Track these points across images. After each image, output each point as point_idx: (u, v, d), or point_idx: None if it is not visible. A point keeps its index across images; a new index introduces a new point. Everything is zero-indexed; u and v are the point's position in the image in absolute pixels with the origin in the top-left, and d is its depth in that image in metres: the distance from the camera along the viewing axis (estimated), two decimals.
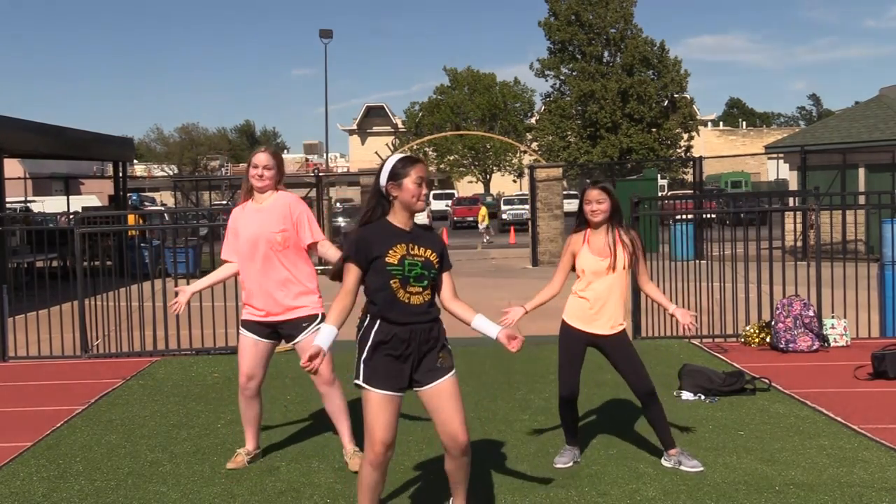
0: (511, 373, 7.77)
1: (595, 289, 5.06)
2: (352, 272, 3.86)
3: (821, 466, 5.05)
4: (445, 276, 4.02)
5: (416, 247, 3.89)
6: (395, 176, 3.88)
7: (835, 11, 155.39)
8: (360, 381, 3.85)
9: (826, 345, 8.65)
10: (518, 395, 6.99)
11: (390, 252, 3.83)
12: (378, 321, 3.85)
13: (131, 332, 9.37)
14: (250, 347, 5.22)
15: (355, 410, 5.72)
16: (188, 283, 9.19)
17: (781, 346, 8.51)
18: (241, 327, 5.28)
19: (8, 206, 19.04)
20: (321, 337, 3.79)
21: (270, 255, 5.12)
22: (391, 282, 3.82)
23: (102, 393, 7.35)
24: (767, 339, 8.78)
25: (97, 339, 9.58)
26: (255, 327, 5.22)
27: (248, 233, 5.16)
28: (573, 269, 5.19)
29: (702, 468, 5.03)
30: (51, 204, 30.85)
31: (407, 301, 3.84)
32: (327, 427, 6.10)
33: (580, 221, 5.18)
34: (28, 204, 28.20)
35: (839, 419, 6.00)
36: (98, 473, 5.24)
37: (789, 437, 5.63)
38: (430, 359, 3.91)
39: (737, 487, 4.73)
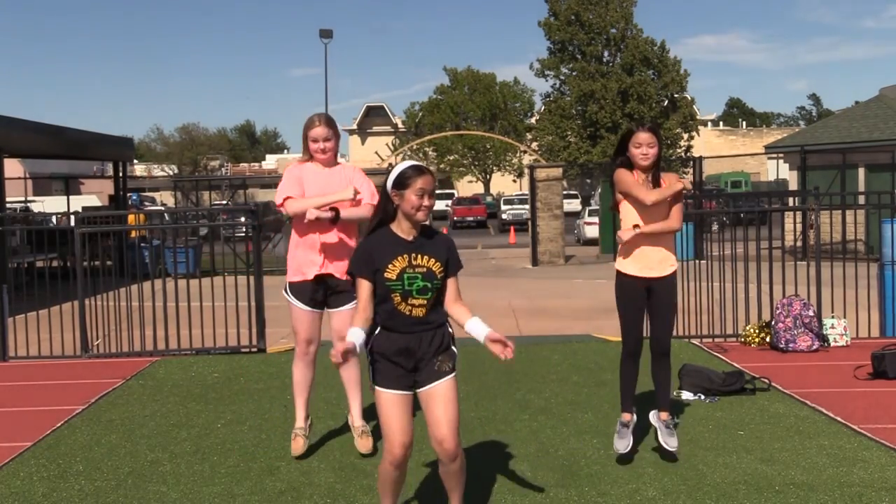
0: (511, 373, 7.77)
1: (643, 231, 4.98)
2: (363, 286, 3.86)
3: (821, 466, 5.05)
4: (450, 280, 3.97)
5: (418, 256, 3.85)
6: (400, 185, 3.83)
7: (835, 11, 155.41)
8: (372, 383, 3.89)
9: (826, 345, 8.65)
10: (518, 395, 6.99)
11: (389, 267, 3.80)
12: (379, 329, 3.87)
13: (131, 332, 9.36)
14: (305, 314, 5.41)
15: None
16: (188, 284, 9.09)
17: (781, 345, 8.50)
18: (291, 296, 5.41)
19: (8, 206, 19.03)
20: (353, 335, 3.79)
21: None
22: (392, 296, 3.82)
23: (102, 393, 7.35)
24: (767, 339, 8.77)
25: (97, 339, 9.57)
26: (305, 293, 5.34)
27: (320, 191, 5.28)
28: (614, 208, 5.09)
29: (675, 448, 5.07)
30: (51, 204, 30.76)
31: (409, 313, 3.83)
32: (327, 427, 6.11)
33: (623, 164, 4.97)
34: (28, 204, 28.17)
35: (839, 419, 6.00)
36: (98, 473, 5.24)
37: (789, 437, 5.63)
38: (432, 361, 3.90)
39: (737, 487, 4.73)
